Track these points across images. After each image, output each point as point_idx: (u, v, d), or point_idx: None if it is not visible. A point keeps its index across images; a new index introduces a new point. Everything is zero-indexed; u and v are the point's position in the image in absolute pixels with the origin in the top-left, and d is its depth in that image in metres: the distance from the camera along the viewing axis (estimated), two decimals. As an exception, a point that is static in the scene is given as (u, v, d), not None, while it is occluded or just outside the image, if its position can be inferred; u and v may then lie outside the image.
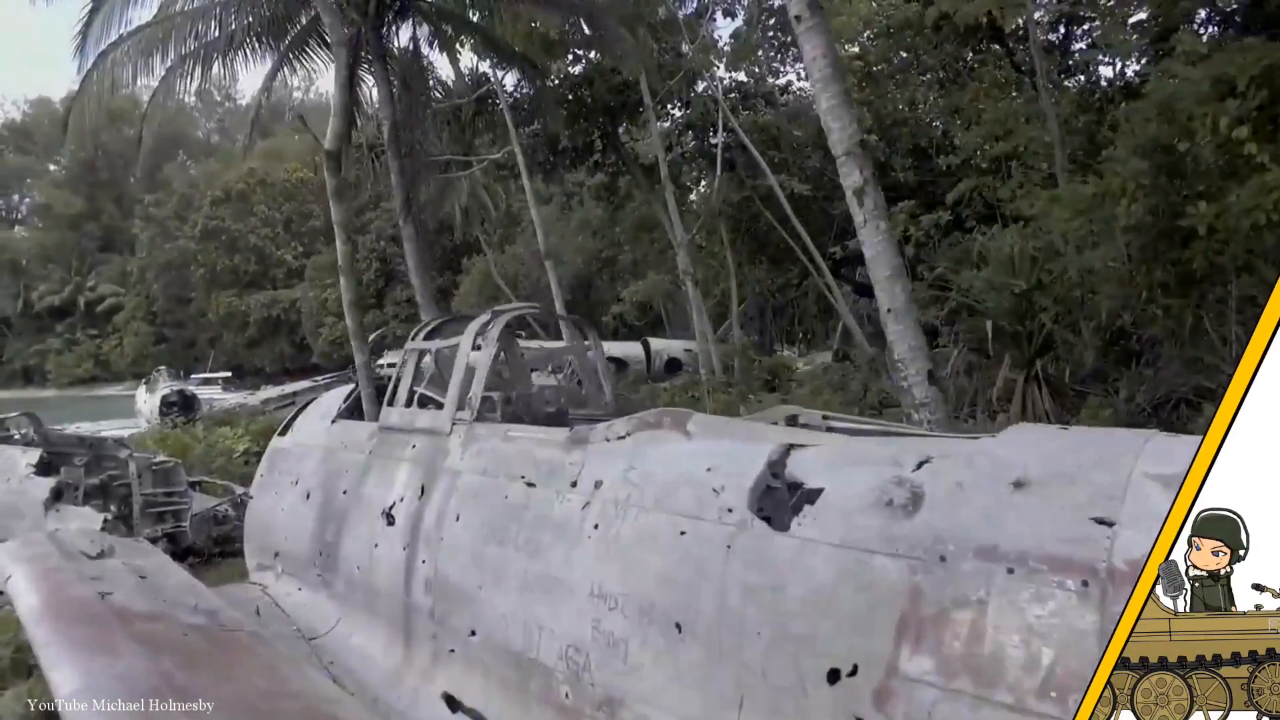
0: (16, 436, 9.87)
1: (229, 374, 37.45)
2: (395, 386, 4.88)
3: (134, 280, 58.87)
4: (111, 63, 11.17)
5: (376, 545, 4.31)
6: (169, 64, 11.54)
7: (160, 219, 55.66)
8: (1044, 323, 9.00)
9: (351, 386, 6.06)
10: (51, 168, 72.20)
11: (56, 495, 7.50)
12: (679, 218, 17.95)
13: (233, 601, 4.18)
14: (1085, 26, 16.98)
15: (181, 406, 20.88)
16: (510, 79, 17.74)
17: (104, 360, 60.02)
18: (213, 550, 8.51)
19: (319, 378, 29.01)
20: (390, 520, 4.26)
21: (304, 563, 5.04)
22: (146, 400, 24.33)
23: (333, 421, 5.52)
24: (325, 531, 4.86)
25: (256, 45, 12.11)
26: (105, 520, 7.03)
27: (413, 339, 5.08)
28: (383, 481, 4.50)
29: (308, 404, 6.20)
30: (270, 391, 25.39)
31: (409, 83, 11.73)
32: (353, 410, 5.77)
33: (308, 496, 5.17)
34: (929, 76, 19.42)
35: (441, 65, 38.10)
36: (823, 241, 21.40)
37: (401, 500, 4.25)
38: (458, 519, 3.82)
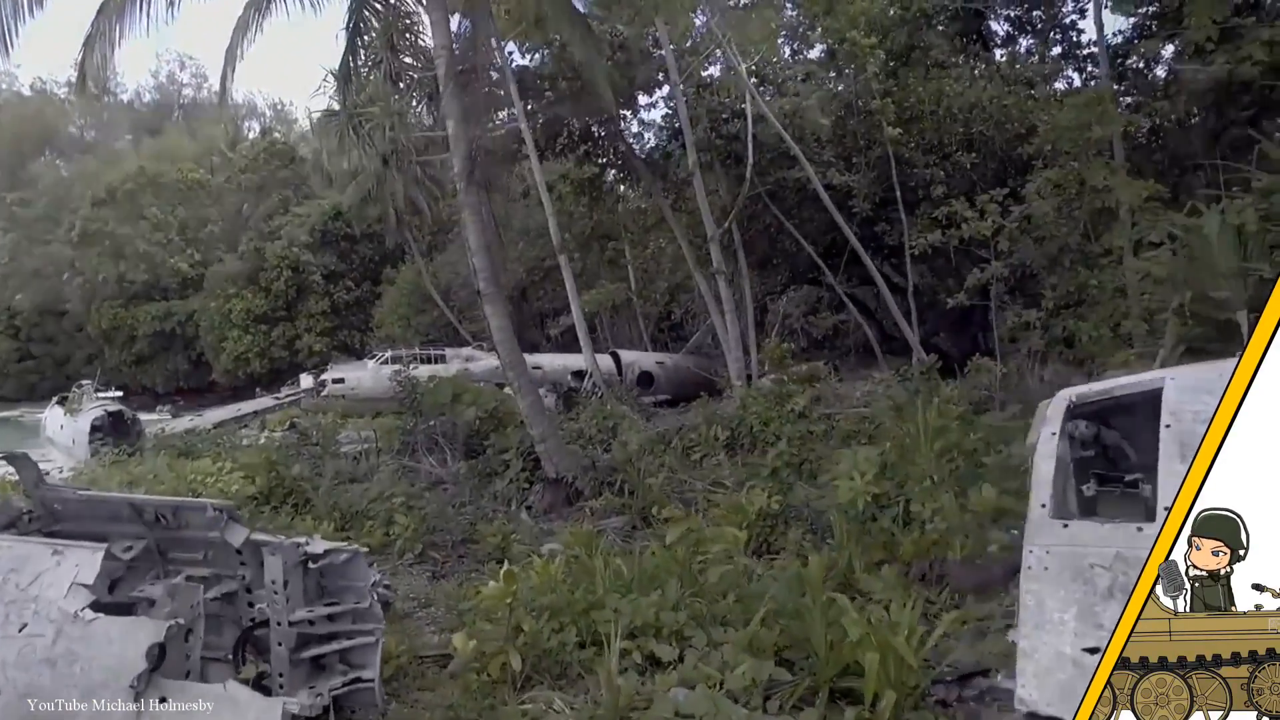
0: None
1: (119, 393, 32.61)
2: None
3: (-10, 290, 51.81)
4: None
5: None
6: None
7: (26, 221, 49.20)
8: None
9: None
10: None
11: (159, 658, 3.49)
12: (707, 208, 15.98)
13: None
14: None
15: (113, 432, 15.83)
16: (512, 47, 15.42)
17: (-50, 382, 52.66)
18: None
19: (283, 394, 24.76)
20: None
21: None
22: (65, 425, 18.69)
23: None
24: None
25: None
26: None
27: None
28: None
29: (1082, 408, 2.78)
30: (220, 412, 21.08)
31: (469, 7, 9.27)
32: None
33: None
34: (934, 69, 18.46)
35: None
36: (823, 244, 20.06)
37: None
38: None
